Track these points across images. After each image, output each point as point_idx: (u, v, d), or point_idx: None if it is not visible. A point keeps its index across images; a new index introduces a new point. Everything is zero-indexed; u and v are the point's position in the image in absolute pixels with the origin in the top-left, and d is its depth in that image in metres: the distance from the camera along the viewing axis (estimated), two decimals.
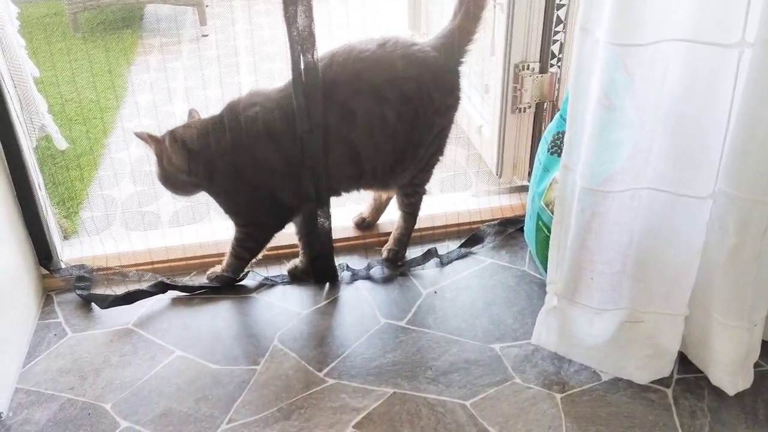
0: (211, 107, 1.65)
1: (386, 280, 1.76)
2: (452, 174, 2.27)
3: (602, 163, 1.25)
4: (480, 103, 2.41)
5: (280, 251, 1.83)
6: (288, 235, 1.78)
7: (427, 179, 1.76)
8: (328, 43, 1.55)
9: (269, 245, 1.74)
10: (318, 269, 1.76)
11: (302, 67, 1.48)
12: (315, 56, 1.48)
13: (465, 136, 2.50)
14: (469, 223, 1.95)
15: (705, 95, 1.15)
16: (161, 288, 1.71)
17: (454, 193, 2.17)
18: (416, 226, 1.90)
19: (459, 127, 2.56)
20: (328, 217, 1.68)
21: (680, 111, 1.19)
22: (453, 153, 2.41)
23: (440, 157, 1.72)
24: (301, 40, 1.46)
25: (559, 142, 1.63)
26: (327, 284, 1.77)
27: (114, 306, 1.67)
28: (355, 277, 1.78)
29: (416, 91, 1.55)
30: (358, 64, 1.53)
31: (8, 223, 1.58)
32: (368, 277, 1.78)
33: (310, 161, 1.58)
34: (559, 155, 1.62)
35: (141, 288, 1.70)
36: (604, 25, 1.15)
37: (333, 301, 1.70)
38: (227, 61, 2.14)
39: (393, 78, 1.53)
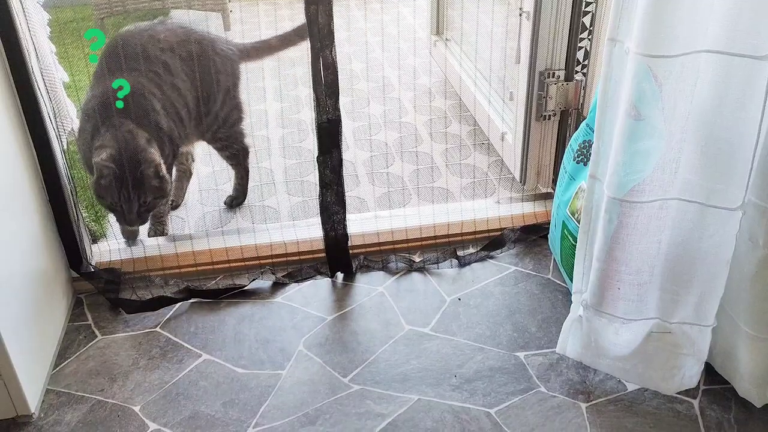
0: None
1: (410, 287, 1.78)
2: (474, 180, 2.27)
3: (630, 173, 1.25)
4: (503, 109, 2.41)
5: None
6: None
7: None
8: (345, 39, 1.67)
9: None
10: (333, 259, 1.79)
11: (321, 62, 1.58)
12: (333, 53, 1.59)
13: (487, 143, 2.50)
14: (493, 230, 1.95)
15: (735, 107, 1.14)
16: (187, 294, 1.74)
17: (474, 200, 2.17)
18: (439, 232, 1.91)
19: (482, 134, 2.57)
20: (342, 206, 1.74)
21: (710, 122, 1.18)
22: (475, 159, 2.42)
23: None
24: (321, 37, 1.55)
25: (585, 150, 1.63)
26: (341, 275, 1.82)
27: (140, 312, 1.70)
28: (369, 268, 1.81)
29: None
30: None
31: (41, 226, 1.62)
32: (383, 269, 1.82)
33: (326, 150, 1.67)
34: (585, 164, 1.62)
35: (166, 294, 1.73)
36: (633, 37, 1.15)
37: (357, 307, 1.71)
38: (252, 65, 2.19)
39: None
